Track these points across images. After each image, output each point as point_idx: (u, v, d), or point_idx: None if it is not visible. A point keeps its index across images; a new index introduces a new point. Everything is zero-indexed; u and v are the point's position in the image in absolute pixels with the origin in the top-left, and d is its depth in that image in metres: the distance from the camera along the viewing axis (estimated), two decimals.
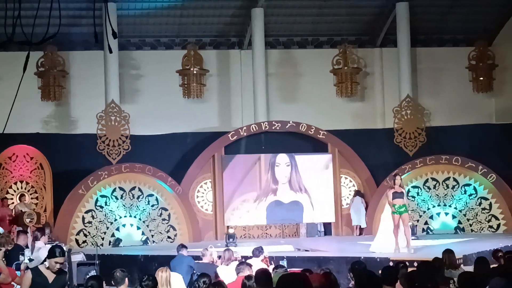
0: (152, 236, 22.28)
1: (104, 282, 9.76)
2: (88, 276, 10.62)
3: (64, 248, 10.34)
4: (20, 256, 13.76)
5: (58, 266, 8.51)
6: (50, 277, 8.53)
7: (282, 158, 23.27)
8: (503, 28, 25.51)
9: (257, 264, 12.57)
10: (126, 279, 9.84)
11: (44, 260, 8.60)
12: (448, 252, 11.77)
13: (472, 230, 22.88)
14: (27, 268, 13.31)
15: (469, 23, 25.38)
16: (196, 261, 14.94)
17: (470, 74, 25.09)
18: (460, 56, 25.18)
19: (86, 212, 21.58)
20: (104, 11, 9.12)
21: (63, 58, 23.47)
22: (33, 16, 7.38)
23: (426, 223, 23.00)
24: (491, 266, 10.24)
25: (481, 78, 24.92)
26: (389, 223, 16.91)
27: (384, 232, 17.11)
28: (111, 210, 21.86)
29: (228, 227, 22.43)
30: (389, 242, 16.82)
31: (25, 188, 21.75)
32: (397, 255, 16.11)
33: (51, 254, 8.55)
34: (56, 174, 21.76)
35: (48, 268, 8.53)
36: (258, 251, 13.89)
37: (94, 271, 15.32)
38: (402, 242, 16.73)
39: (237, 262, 13.40)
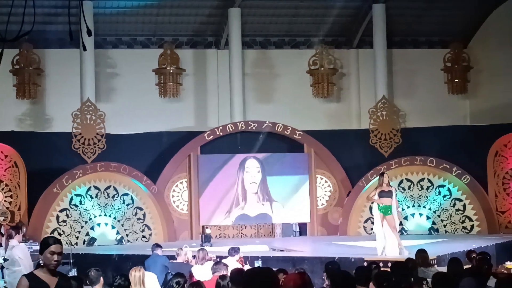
0: (127, 235, 22.20)
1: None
2: (69, 276, 10.56)
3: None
4: None
5: (55, 258, 6.71)
6: (51, 282, 6.70)
7: (252, 163, 23.28)
8: (478, 30, 25.68)
9: (232, 264, 12.59)
10: (101, 278, 9.81)
11: (38, 266, 6.78)
12: (421, 252, 12.04)
13: (446, 231, 23.02)
14: (1, 267, 13.22)
15: (444, 26, 25.55)
16: (170, 261, 14.93)
17: (445, 76, 25.25)
18: (435, 58, 25.32)
19: (61, 211, 21.45)
20: (80, 9, 9.09)
21: (38, 56, 23.33)
22: (8, 14, 7.33)
23: (400, 223, 23.03)
24: (465, 267, 10.33)
25: (456, 80, 25.08)
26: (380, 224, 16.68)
27: (381, 234, 16.78)
28: (85, 209, 21.75)
29: (203, 226, 22.41)
30: (389, 243, 16.62)
31: None
32: (376, 255, 16.14)
33: (44, 244, 6.81)
34: (30, 172, 21.62)
35: (46, 268, 6.71)
36: (233, 251, 13.90)
37: (75, 270, 15.25)
38: (391, 244, 16.51)
39: (211, 262, 13.42)
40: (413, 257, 11.81)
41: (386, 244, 16.42)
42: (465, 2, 24.91)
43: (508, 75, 24.13)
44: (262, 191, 23.27)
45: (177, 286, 9.43)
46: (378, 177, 17.08)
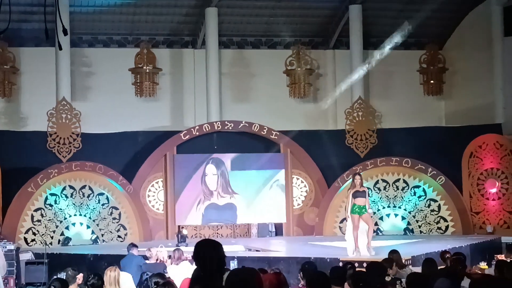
0: (102, 235, 22.10)
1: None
2: (53, 278, 10.50)
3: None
4: None
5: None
6: None
7: (210, 169, 23.25)
8: (454, 32, 25.84)
9: None
10: (77, 277, 9.79)
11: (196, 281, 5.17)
12: (393, 252, 12.19)
13: (421, 232, 23.14)
14: None
15: (420, 27, 25.62)
16: (146, 261, 14.91)
17: (421, 77, 25.38)
18: (411, 59, 25.44)
19: (35, 210, 21.32)
20: (56, 7, 9.04)
21: (13, 54, 23.15)
22: None
23: (376, 224, 23.16)
24: (439, 267, 10.39)
25: (432, 81, 25.21)
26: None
27: (350, 235, 16.75)
28: (60, 209, 21.63)
29: (179, 226, 22.39)
30: (361, 243, 16.54)
31: None
32: (348, 256, 16.19)
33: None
34: (5, 171, 21.43)
35: None
36: None
37: (64, 274, 15.15)
38: (362, 243, 16.54)
39: (187, 262, 13.43)
40: (379, 258, 11.93)
41: (359, 244, 16.47)
42: (441, 4, 25.04)
43: (483, 76, 24.33)
44: (224, 188, 23.26)
45: (155, 286, 9.42)
46: (352, 178, 17.06)
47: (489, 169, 22.96)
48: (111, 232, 22.23)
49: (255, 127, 23.35)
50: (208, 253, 5.29)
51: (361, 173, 18.16)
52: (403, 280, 8.81)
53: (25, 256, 18.18)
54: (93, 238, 21.95)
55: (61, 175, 21.55)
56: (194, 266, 12.62)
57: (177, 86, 25.08)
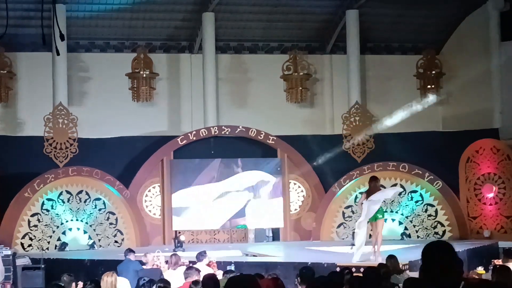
0: (99, 240, 22.07)
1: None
2: (52, 283, 10.48)
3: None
4: None
5: None
6: None
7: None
8: (451, 37, 25.87)
9: (202, 268, 12.57)
10: (74, 283, 9.77)
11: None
12: (391, 258, 12.15)
13: (418, 236, 23.12)
14: None
15: (417, 32, 25.71)
16: (143, 266, 14.89)
17: (418, 82, 25.39)
18: (408, 64, 25.46)
19: (32, 215, 21.28)
20: (53, 13, 9.04)
21: (10, 59, 23.14)
22: None
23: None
24: None
25: (429, 86, 25.24)
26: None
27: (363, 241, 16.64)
28: (57, 214, 21.60)
29: (176, 231, 22.35)
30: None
31: None
32: (345, 261, 16.14)
33: None
34: (1, 176, 21.40)
35: None
36: (201, 256, 13.91)
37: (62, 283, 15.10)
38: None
39: (184, 267, 13.39)
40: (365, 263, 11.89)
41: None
42: (438, 9, 25.09)
43: (480, 81, 24.32)
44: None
45: None
46: (374, 182, 16.87)
47: (486, 174, 22.98)
48: (108, 237, 22.20)
49: (252, 132, 23.35)
50: (444, 257, 4.66)
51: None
52: (401, 285, 8.80)
53: (22, 261, 18.15)
54: (90, 243, 21.91)
55: (58, 180, 21.52)
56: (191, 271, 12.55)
57: (174, 91, 25.06)
